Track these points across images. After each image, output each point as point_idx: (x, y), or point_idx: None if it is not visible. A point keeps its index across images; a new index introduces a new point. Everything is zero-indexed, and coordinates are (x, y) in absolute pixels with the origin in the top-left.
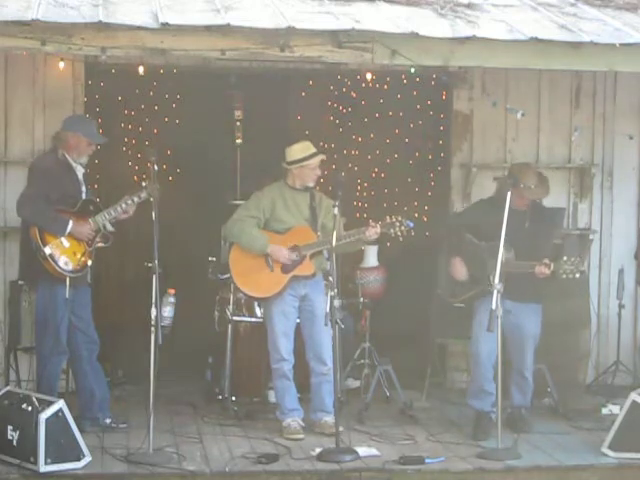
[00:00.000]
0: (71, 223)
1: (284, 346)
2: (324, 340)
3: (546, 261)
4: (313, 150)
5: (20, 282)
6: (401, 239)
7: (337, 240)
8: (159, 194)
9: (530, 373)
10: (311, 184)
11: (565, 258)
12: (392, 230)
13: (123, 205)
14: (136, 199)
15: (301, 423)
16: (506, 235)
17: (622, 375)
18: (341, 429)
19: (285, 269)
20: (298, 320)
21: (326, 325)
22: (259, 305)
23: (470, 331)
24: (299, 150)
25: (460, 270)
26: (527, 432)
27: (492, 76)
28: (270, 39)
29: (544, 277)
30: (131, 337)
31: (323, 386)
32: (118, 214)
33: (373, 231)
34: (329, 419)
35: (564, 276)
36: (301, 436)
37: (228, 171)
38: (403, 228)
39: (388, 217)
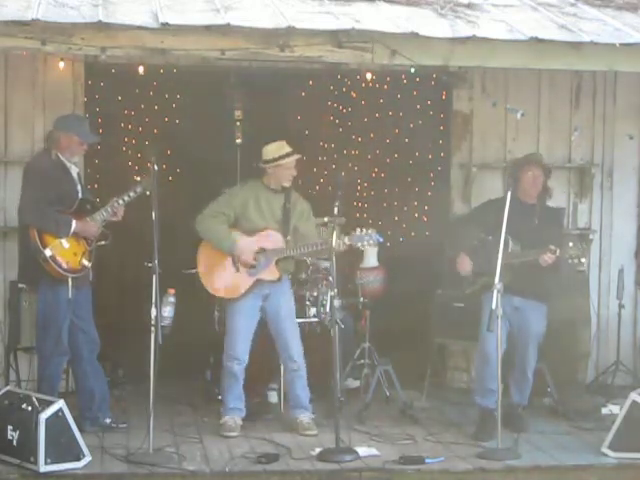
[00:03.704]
0: (74, 223)
1: (239, 346)
2: (291, 338)
3: (552, 247)
4: (288, 149)
5: (20, 285)
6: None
7: (296, 249)
8: (154, 191)
9: (532, 371)
10: (287, 184)
11: (571, 244)
12: (360, 244)
13: (109, 209)
14: (121, 201)
15: (238, 422)
16: (515, 230)
17: (622, 375)
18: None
19: (250, 272)
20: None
21: (329, 326)
22: None
23: (477, 329)
24: (274, 149)
25: (466, 265)
26: (524, 431)
27: (492, 76)
28: (270, 39)
29: (549, 266)
30: (131, 337)
31: (296, 382)
32: (107, 216)
33: (339, 243)
34: (304, 417)
35: (570, 261)
36: (235, 434)
37: (228, 171)
38: (372, 242)
39: (358, 229)
